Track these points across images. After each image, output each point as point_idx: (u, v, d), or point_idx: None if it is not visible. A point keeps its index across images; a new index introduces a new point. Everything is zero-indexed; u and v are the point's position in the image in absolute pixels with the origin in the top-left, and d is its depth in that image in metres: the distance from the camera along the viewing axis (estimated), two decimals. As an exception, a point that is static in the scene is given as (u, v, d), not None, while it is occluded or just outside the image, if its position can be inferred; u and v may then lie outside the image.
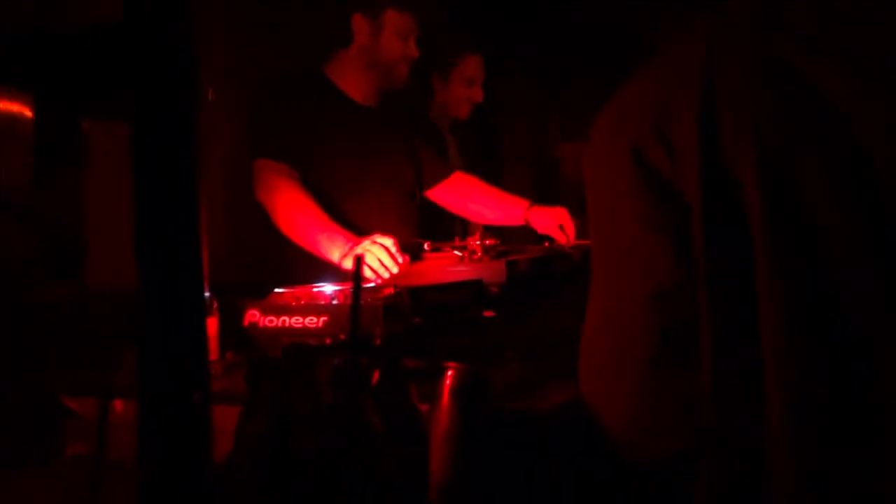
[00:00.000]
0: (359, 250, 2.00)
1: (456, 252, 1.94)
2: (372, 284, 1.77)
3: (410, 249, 2.10)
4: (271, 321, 1.61)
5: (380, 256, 1.97)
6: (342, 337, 1.27)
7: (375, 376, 0.92)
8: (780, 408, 0.79)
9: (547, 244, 2.50)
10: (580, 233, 2.51)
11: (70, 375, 1.42)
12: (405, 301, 1.51)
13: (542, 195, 4.47)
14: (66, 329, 1.22)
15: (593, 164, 0.98)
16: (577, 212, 2.56)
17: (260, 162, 2.24)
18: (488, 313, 1.62)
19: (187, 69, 0.68)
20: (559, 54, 4.18)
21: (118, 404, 1.46)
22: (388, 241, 1.99)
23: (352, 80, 2.38)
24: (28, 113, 0.67)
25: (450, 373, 1.00)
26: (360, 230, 2.15)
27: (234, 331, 1.68)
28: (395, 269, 1.95)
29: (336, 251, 2.08)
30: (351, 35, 2.34)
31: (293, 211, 2.20)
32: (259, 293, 1.73)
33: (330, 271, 2.03)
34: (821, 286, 0.78)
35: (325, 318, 1.53)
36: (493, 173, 4.38)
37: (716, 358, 0.82)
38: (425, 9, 2.45)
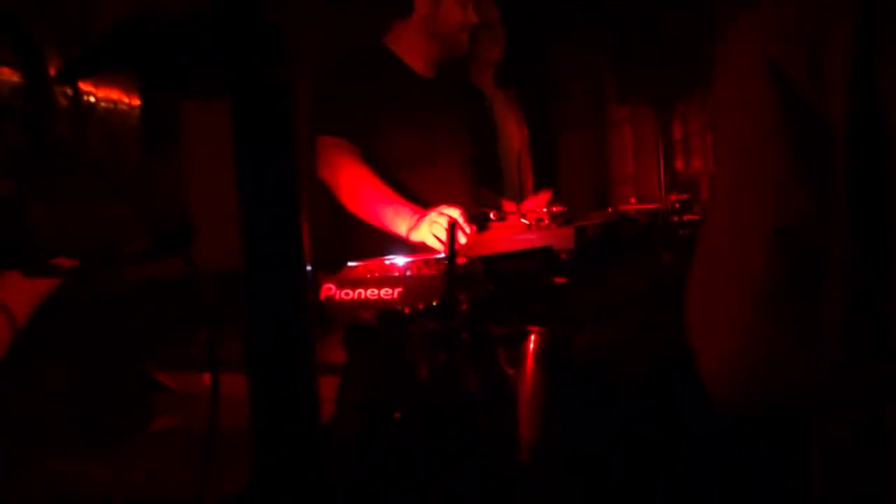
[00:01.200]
0: (426, 222, 2.03)
1: (523, 220, 1.95)
2: (441, 255, 1.79)
3: (477, 219, 2.12)
4: (347, 294, 1.65)
5: (444, 226, 1.99)
6: (420, 307, 1.30)
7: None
8: None
9: (610, 209, 2.50)
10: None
11: (164, 350, 1.48)
12: (478, 269, 1.53)
13: (596, 161, 4.45)
14: (172, 305, 1.27)
15: (725, 79, 0.89)
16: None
17: (322, 139, 2.27)
18: (560, 279, 1.63)
19: (276, 45, 0.70)
20: (614, 17, 4.13)
21: (206, 377, 1.51)
22: (455, 212, 2.01)
23: (413, 50, 2.40)
24: (132, 96, 0.70)
25: (533, 336, 1.02)
26: (424, 202, 2.17)
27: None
28: (463, 240, 1.97)
29: (403, 224, 2.11)
30: (412, 5, 2.35)
31: (357, 186, 2.23)
32: (332, 268, 1.77)
33: (398, 245, 2.06)
34: None
35: (399, 290, 1.56)
36: (550, 140, 4.37)
37: (846, 297, 0.78)
38: None
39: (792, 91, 0.80)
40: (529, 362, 1.00)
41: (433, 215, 2.03)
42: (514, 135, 3.14)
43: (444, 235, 1.99)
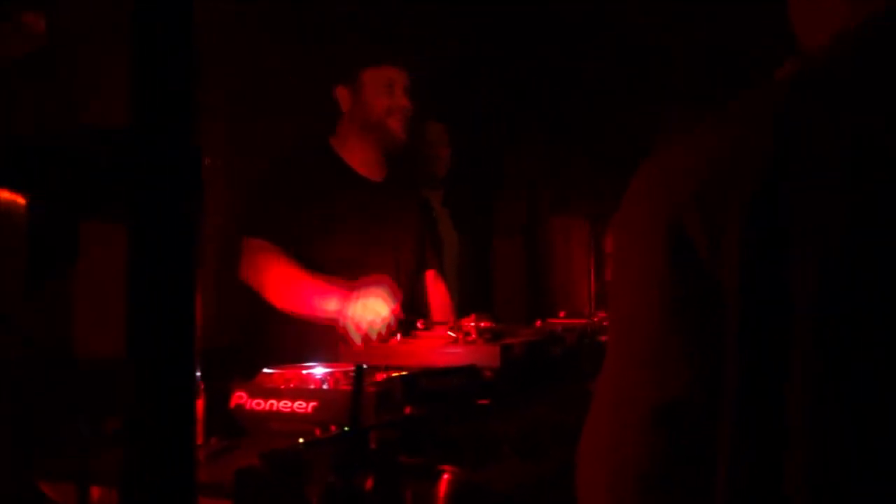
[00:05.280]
0: (354, 309, 2.00)
1: (450, 333, 1.91)
2: (364, 366, 1.72)
3: (404, 327, 2.07)
4: (259, 404, 1.56)
5: (376, 307, 1.98)
6: (332, 428, 1.23)
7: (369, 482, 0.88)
8: None
9: (539, 322, 2.47)
10: None
11: (50, 462, 1.37)
12: (397, 388, 1.48)
13: (530, 266, 4.48)
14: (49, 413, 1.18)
15: (621, 234, 0.85)
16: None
17: (249, 241, 2.21)
18: (482, 401, 1.58)
19: (191, 177, 0.66)
20: (553, 127, 4.22)
21: (95, 491, 1.40)
22: (383, 288, 2.00)
23: (353, 149, 2.36)
24: (20, 216, 0.65)
25: (445, 477, 0.96)
26: None
27: (219, 412, 1.64)
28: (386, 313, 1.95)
29: (332, 302, 2.07)
30: (339, 107, 2.34)
31: (284, 282, 2.17)
32: (247, 371, 1.69)
33: (317, 352, 1.99)
34: (876, 421, 0.71)
35: (314, 404, 1.49)
36: (483, 244, 4.38)
37: (732, 482, 0.74)
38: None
39: (691, 258, 0.76)
40: (440, 507, 0.93)
41: (359, 304, 2.01)
42: (451, 253, 3.14)
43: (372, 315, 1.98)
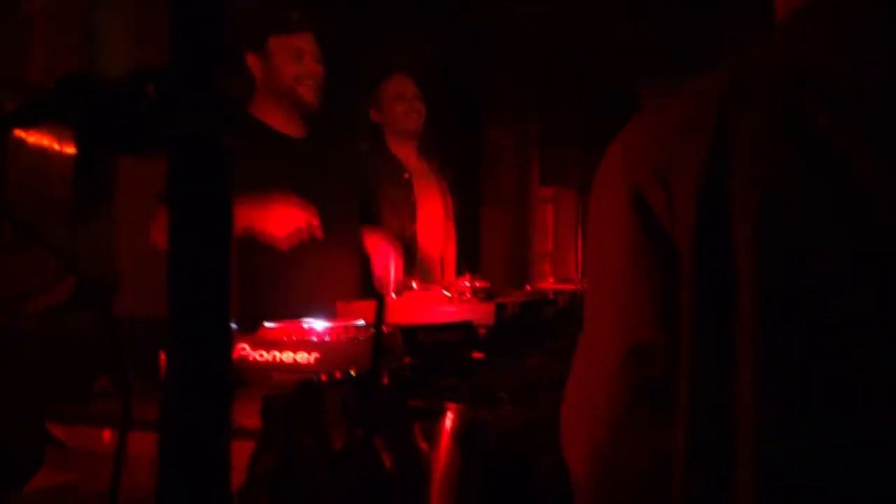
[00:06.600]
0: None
1: (445, 292, 1.96)
2: (362, 321, 1.78)
3: (400, 287, 2.12)
4: (262, 355, 1.61)
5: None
6: (338, 375, 1.29)
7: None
8: (751, 473, 0.76)
9: (529, 287, 2.53)
10: None
11: (64, 404, 1.41)
12: (397, 339, 1.53)
13: (518, 234, 4.54)
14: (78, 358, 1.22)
15: (595, 199, 0.93)
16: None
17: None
18: (477, 355, 1.64)
19: (226, 109, 0.70)
20: (542, 99, 4.26)
21: (105, 434, 1.44)
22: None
23: (272, 116, 2.39)
24: (64, 142, 0.69)
25: (450, 414, 1.02)
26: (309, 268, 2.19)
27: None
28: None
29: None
30: (252, 75, 2.37)
31: None
32: (247, 326, 1.73)
33: (313, 309, 2.03)
34: (811, 361, 0.77)
35: (317, 355, 1.54)
36: (472, 213, 4.44)
37: (692, 418, 0.80)
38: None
39: (651, 220, 0.83)
40: (445, 439, 0.99)
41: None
42: (435, 206, 3.14)
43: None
